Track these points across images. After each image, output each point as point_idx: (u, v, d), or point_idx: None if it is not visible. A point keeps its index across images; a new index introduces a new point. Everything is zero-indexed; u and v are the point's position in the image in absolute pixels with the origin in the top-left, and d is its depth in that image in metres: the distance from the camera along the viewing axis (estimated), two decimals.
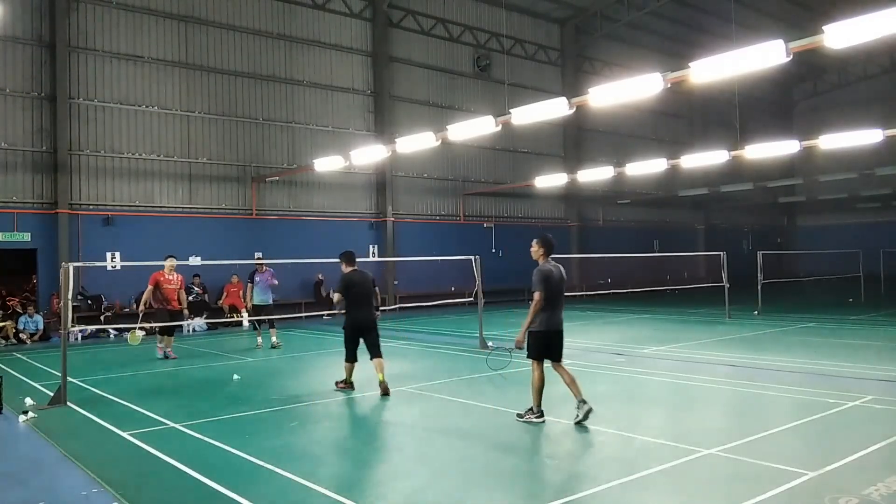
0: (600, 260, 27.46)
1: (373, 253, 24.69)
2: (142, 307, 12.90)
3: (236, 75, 22.06)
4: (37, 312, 17.29)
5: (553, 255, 7.58)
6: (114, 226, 19.48)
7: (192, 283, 19.38)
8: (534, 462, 6.30)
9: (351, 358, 9.48)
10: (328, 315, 20.17)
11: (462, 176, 27.99)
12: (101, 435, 7.37)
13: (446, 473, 5.83)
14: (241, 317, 18.93)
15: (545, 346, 7.28)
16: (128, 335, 13.14)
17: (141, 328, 13.35)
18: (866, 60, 38.54)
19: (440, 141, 16.26)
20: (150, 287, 12.85)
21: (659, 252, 33.86)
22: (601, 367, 10.88)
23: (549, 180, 25.70)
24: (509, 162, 29.43)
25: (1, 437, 7.41)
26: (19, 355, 14.18)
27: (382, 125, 24.87)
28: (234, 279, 18.94)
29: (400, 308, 21.63)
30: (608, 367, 10.96)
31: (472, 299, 16.36)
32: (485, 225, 28.55)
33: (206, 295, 20.03)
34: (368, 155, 18.99)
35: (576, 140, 31.48)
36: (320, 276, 22.46)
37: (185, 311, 13.50)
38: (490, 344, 13.71)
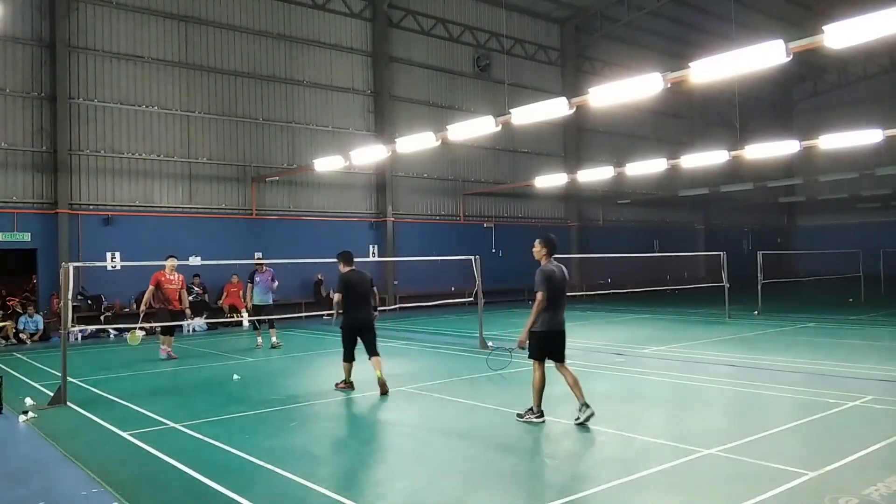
0: (600, 260, 27.47)
1: (373, 253, 24.69)
2: (143, 307, 12.86)
3: (236, 75, 22.07)
4: (37, 312, 17.29)
5: (554, 256, 7.58)
6: (114, 226, 19.48)
7: (192, 283, 19.38)
8: (534, 462, 6.30)
9: (349, 357, 9.49)
10: (328, 315, 20.18)
11: (462, 176, 27.99)
12: (101, 435, 7.37)
13: (446, 473, 5.83)
14: (241, 317, 18.94)
15: (547, 346, 7.28)
16: (127, 335, 13.09)
17: (141, 328, 13.35)
18: (866, 60, 38.55)
19: (440, 141, 16.26)
20: (151, 287, 12.81)
21: (659, 252, 33.86)
22: (601, 367, 10.88)
23: (549, 180, 25.70)
24: (509, 162, 29.43)
25: (1, 437, 7.41)
26: (19, 355, 14.18)
27: (382, 125, 24.87)
28: (234, 279, 18.95)
29: (400, 308, 21.63)
30: (608, 367, 10.96)
31: (472, 299, 16.37)
32: (485, 225, 28.55)
33: (206, 295, 20.03)
34: (368, 155, 19.00)
35: (576, 140, 31.49)
36: (320, 276, 22.47)
37: (188, 311, 13.48)
38: (490, 344, 13.71)
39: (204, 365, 12.43)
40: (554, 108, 12.83)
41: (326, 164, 19.74)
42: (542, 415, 7.31)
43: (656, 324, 18.11)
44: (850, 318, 18.28)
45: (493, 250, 28.13)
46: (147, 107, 20.39)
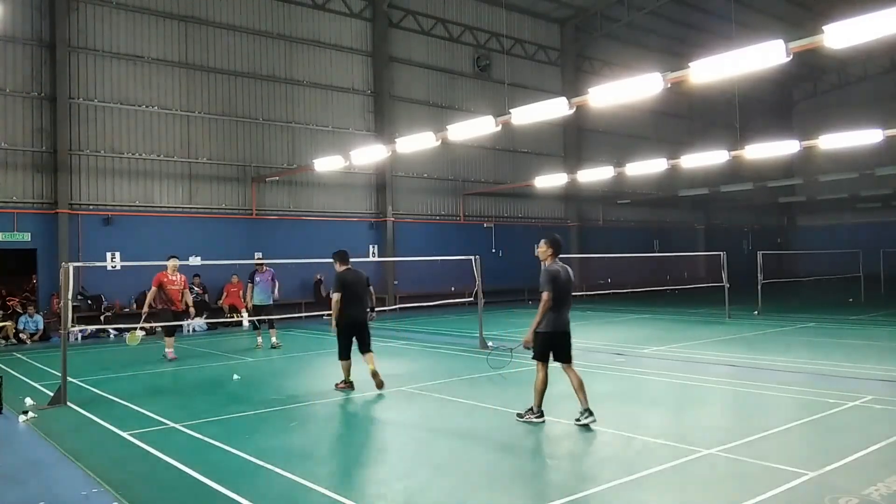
0: (600, 260, 27.48)
1: (373, 253, 24.69)
2: (145, 309, 12.72)
3: (236, 75, 22.07)
4: (37, 312, 17.29)
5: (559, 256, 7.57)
6: (114, 226, 19.48)
7: (192, 283, 19.37)
8: (534, 462, 6.30)
9: (345, 356, 9.51)
10: (328, 315, 20.18)
11: (462, 176, 27.99)
12: (101, 435, 7.37)
13: (446, 473, 5.83)
14: (241, 317, 18.94)
15: (551, 346, 7.26)
16: (126, 336, 13.03)
17: (141, 328, 13.33)
18: (866, 60, 38.54)
19: (440, 141, 16.25)
20: (153, 288, 12.69)
21: (659, 252, 33.86)
22: (601, 367, 10.88)
23: (549, 180, 25.70)
24: (509, 162, 29.43)
25: (1, 437, 7.41)
26: (19, 355, 14.18)
27: (382, 125, 24.87)
28: (234, 279, 18.96)
29: (400, 308, 21.63)
30: (608, 367, 10.95)
31: (472, 299, 16.36)
32: (485, 225, 28.55)
33: (206, 295, 20.03)
34: (368, 155, 18.99)
35: (576, 140, 31.49)
36: (320, 276, 22.46)
37: (192, 311, 13.46)
38: (490, 344, 13.71)
39: (204, 365, 12.43)
40: (554, 108, 12.83)
41: (326, 164, 19.74)
42: (542, 415, 7.31)
43: (656, 324, 18.11)
44: (850, 318, 18.28)
45: (493, 250, 28.13)
46: (147, 107, 20.39)
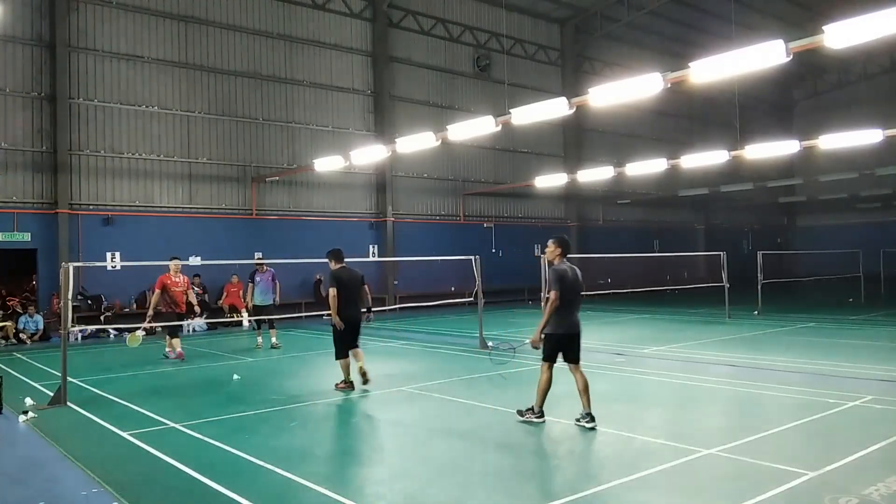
0: (600, 260, 27.44)
1: (373, 253, 24.69)
2: (150, 312, 12.56)
3: (236, 75, 22.07)
4: (37, 312, 17.29)
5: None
6: (114, 226, 19.48)
7: (193, 283, 19.37)
8: (534, 462, 6.30)
9: (343, 355, 9.54)
10: (328, 315, 20.17)
11: (462, 176, 27.99)
12: (101, 435, 7.37)
13: (446, 473, 5.83)
14: (241, 317, 18.94)
15: (561, 348, 7.24)
16: (127, 337, 12.94)
17: (142, 329, 13.30)
18: (866, 60, 38.55)
19: (440, 141, 16.25)
20: (157, 291, 12.57)
21: (659, 252, 33.85)
22: (601, 367, 10.87)
23: (549, 180, 25.70)
24: (509, 162, 29.43)
25: (1, 437, 7.41)
26: (19, 355, 14.18)
27: (382, 125, 24.87)
28: (235, 279, 18.97)
29: (400, 308, 21.63)
30: (608, 367, 10.95)
31: (472, 299, 16.36)
32: (485, 225, 28.55)
33: (206, 295, 20.03)
34: (368, 155, 18.99)
35: (576, 140, 31.49)
36: (319, 276, 22.46)
37: (198, 309, 13.41)
38: (490, 344, 13.71)
39: (204, 365, 12.43)
40: (554, 108, 12.83)
41: (326, 164, 19.74)
42: (542, 415, 7.30)
43: (656, 324, 18.11)
44: (850, 318, 18.28)
45: (493, 250, 28.14)
46: (147, 107, 20.39)
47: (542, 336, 7.23)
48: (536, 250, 27.73)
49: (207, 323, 19.07)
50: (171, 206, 20.66)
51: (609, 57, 32.77)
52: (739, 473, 5.58)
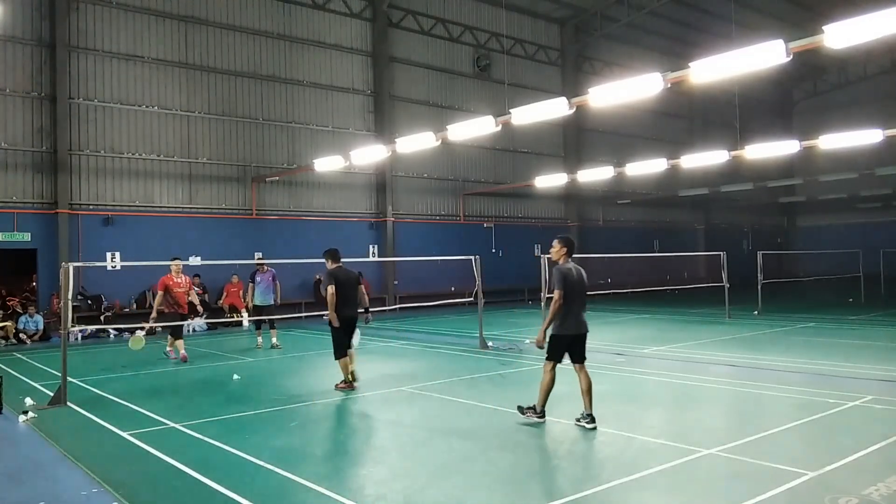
0: (600, 260, 27.45)
1: (373, 253, 24.69)
2: (154, 314, 12.50)
3: (236, 75, 22.07)
4: (37, 312, 17.29)
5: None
6: (114, 226, 19.48)
7: (192, 283, 19.37)
8: (534, 462, 6.30)
9: (342, 354, 9.58)
10: (326, 314, 20.17)
11: (462, 176, 27.99)
12: (101, 435, 7.37)
13: (446, 473, 5.83)
14: (241, 317, 18.94)
15: (568, 349, 7.22)
16: (129, 340, 12.78)
17: (141, 328, 13.27)
18: (866, 60, 38.53)
19: (440, 141, 16.25)
20: (160, 293, 12.49)
21: (659, 252, 33.85)
22: (601, 367, 10.86)
23: (549, 180, 25.70)
24: (509, 162, 29.43)
25: (1, 437, 7.41)
26: (19, 355, 14.18)
27: (382, 125, 24.87)
28: (235, 279, 18.97)
29: (400, 308, 21.63)
30: (608, 367, 10.95)
31: (472, 299, 16.36)
32: (485, 225, 28.55)
33: (206, 295, 20.01)
34: (368, 155, 18.99)
35: (576, 140, 31.48)
36: (319, 276, 22.41)
37: (200, 309, 13.39)
38: (490, 344, 13.73)
39: (204, 365, 12.43)
40: (554, 108, 12.83)
41: (326, 164, 19.74)
42: (543, 415, 7.30)
43: (656, 324, 18.11)
44: (850, 318, 18.28)
45: (493, 250, 28.13)
46: (147, 107, 20.39)
47: (548, 336, 7.21)
48: (536, 250, 27.73)
49: (207, 323, 19.07)
50: (171, 206, 20.66)
51: (609, 57, 32.77)
52: (739, 473, 5.58)
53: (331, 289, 9.38)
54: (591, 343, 7.43)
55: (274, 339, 14.51)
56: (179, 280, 12.68)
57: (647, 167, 23.08)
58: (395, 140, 18.59)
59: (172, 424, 7.64)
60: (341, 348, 9.57)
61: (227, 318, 19.23)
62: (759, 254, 20.69)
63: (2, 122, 18.18)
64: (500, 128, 14.62)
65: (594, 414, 7.04)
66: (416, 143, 16.68)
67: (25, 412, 8.19)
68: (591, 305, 7.39)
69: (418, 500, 5.18)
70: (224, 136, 21.82)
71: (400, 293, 24.26)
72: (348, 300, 9.61)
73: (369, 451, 6.74)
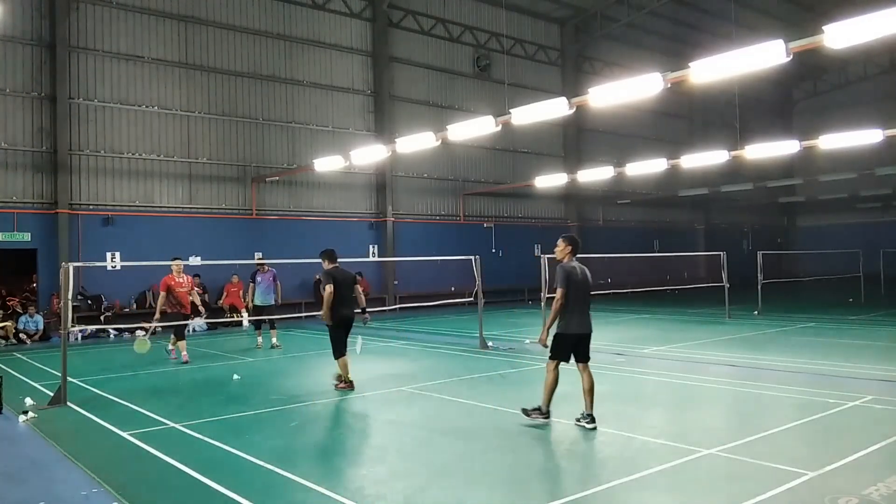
0: (600, 260, 27.41)
1: (373, 253, 24.68)
2: (157, 314, 12.43)
3: (236, 75, 22.06)
4: (37, 312, 17.29)
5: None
6: (114, 226, 19.48)
7: (194, 283, 19.38)
8: (534, 462, 6.29)
9: (341, 353, 9.60)
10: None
11: (462, 176, 27.99)
12: (101, 435, 7.37)
13: (446, 473, 5.83)
14: (241, 317, 18.94)
15: (573, 348, 7.18)
16: (134, 343, 12.63)
17: (141, 328, 13.26)
18: (866, 60, 38.53)
19: (440, 141, 16.25)
20: (162, 293, 12.40)
21: (659, 252, 33.85)
22: (601, 367, 10.84)
23: (549, 180, 25.70)
24: (509, 162, 29.44)
25: (1, 437, 7.41)
26: (19, 355, 14.18)
27: (382, 125, 24.87)
28: (235, 279, 18.96)
29: (400, 308, 21.63)
30: (608, 367, 10.94)
31: (472, 299, 16.35)
32: (485, 225, 28.55)
33: (206, 295, 20.01)
34: (368, 155, 18.99)
35: (576, 140, 31.49)
36: (319, 277, 22.41)
37: (201, 309, 13.35)
38: (490, 344, 13.73)
39: (204, 365, 12.44)
40: (554, 108, 12.83)
41: (326, 164, 19.74)
42: (548, 415, 7.27)
43: (656, 324, 18.11)
44: (850, 318, 18.28)
45: (493, 250, 28.13)
46: (147, 107, 20.39)
47: (552, 335, 7.19)
48: (536, 250, 27.72)
49: (207, 323, 19.07)
50: (171, 206, 20.66)
51: (609, 57, 32.77)
52: (739, 473, 5.58)
53: (329, 288, 9.41)
54: (591, 343, 7.42)
55: (274, 340, 14.51)
56: (181, 280, 12.62)
57: (647, 167, 23.08)
58: (395, 140, 18.60)
59: (172, 424, 7.64)
60: (340, 348, 9.59)
61: (227, 318, 19.23)
62: (759, 254, 20.69)
63: (2, 122, 18.18)
64: (500, 128, 14.62)
65: (594, 414, 7.03)
66: (416, 143, 16.68)
67: (25, 412, 8.20)
68: (592, 305, 7.38)
69: (418, 500, 5.18)
70: (224, 136, 21.82)
71: (400, 293, 24.26)
72: (345, 300, 9.65)
73: (369, 451, 6.74)
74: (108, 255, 19.19)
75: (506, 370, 10.89)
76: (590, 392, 7.09)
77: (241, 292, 18.50)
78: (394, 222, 25.29)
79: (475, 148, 27.57)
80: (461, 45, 27.93)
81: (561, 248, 7.42)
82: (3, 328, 16.48)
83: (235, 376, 10.84)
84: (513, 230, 29.30)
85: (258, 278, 14.59)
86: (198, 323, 18.51)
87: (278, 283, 14.81)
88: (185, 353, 12.64)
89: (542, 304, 14.40)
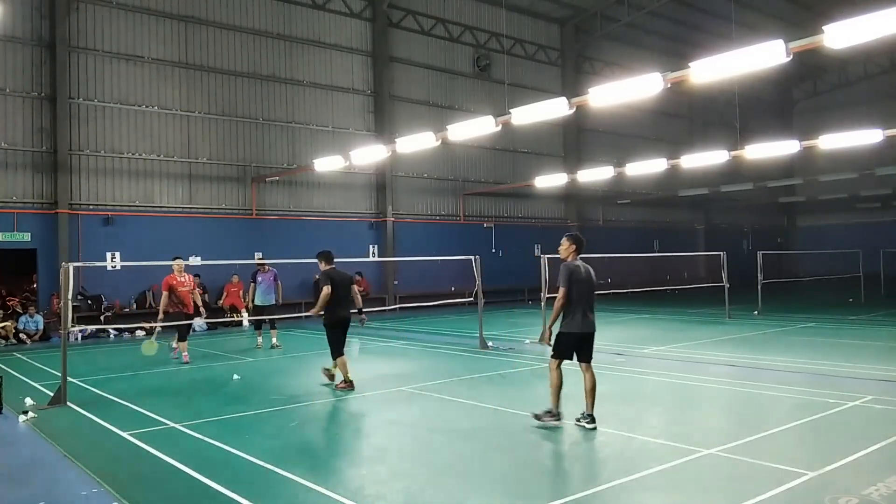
0: (600, 260, 27.38)
1: (373, 253, 24.68)
2: (161, 315, 12.37)
3: (236, 75, 22.06)
4: (37, 312, 17.29)
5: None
6: (114, 226, 19.48)
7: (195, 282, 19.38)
8: (534, 462, 6.29)
9: (339, 353, 9.65)
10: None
11: (462, 176, 27.99)
12: (101, 435, 7.37)
13: (446, 473, 5.83)
14: (241, 317, 18.94)
15: (577, 348, 7.15)
16: (142, 345, 12.51)
17: (142, 328, 13.24)
18: (866, 60, 38.52)
19: (440, 141, 16.25)
20: (165, 293, 12.36)
21: (659, 252, 33.84)
22: (601, 367, 10.81)
23: (549, 180, 25.70)
24: (509, 162, 29.43)
25: (1, 437, 7.41)
26: (19, 355, 14.18)
27: (382, 125, 24.87)
28: (235, 279, 18.97)
29: (400, 308, 21.62)
30: (608, 367, 10.94)
31: (472, 299, 16.36)
32: (485, 225, 28.55)
33: (206, 295, 20.00)
34: (368, 155, 18.99)
35: (576, 140, 31.48)
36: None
37: (202, 310, 13.29)
38: (490, 344, 13.73)
39: (204, 365, 12.44)
40: (554, 108, 12.83)
41: (326, 164, 19.74)
42: (559, 417, 7.16)
43: (656, 324, 18.11)
44: (850, 318, 18.28)
45: (493, 250, 28.12)
46: (147, 107, 20.39)
47: (555, 334, 7.16)
48: (536, 250, 27.72)
49: (207, 323, 19.06)
50: (171, 206, 20.66)
51: (609, 57, 32.77)
52: (739, 473, 5.58)
53: (326, 289, 9.51)
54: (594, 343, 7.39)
55: (274, 340, 14.51)
56: (183, 279, 12.58)
57: (646, 167, 23.08)
58: (395, 140, 18.60)
59: (172, 424, 7.64)
60: (338, 348, 9.62)
61: (227, 318, 19.22)
62: (759, 254, 20.68)
63: (2, 122, 18.18)
64: (500, 128, 14.62)
65: (594, 414, 7.03)
66: (416, 143, 16.68)
67: (25, 412, 8.19)
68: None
69: (418, 500, 5.18)
70: (224, 136, 21.82)
71: (400, 293, 24.26)
72: (342, 301, 9.75)
73: (369, 451, 6.74)
74: (108, 255, 19.19)
75: (506, 370, 10.89)
76: (591, 392, 7.07)
77: (241, 292, 18.51)
78: (394, 222, 25.29)
79: (475, 148, 27.57)
80: (461, 45, 27.93)
81: (565, 247, 7.38)
82: (3, 328, 16.47)
83: (235, 376, 10.84)
84: (513, 230, 29.29)
85: (259, 278, 14.59)
86: (198, 323, 18.48)
87: (279, 282, 14.80)
88: (185, 353, 12.64)
89: (542, 304, 14.40)
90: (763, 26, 29.22)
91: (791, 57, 9.26)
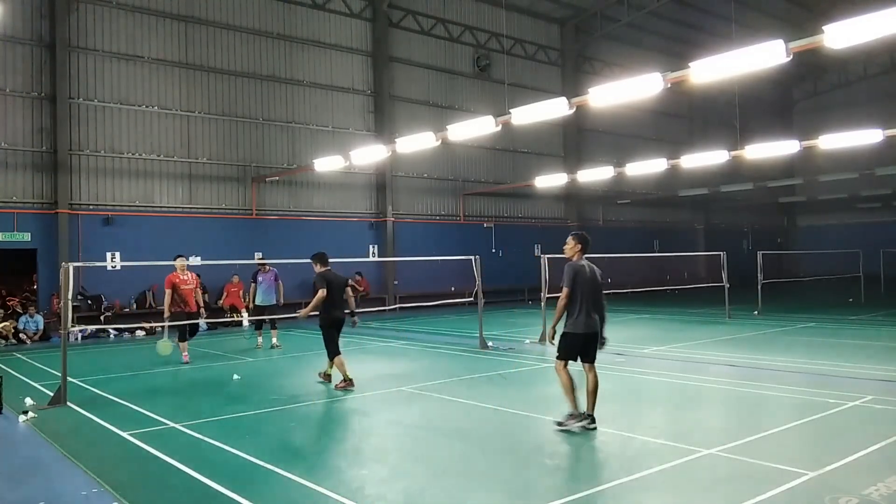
0: (600, 260, 27.31)
1: (373, 253, 24.68)
2: (166, 314, 12.25)
3: (236, 75, 22.06)
4: (37, 312, 17.29)
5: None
6: (114, 226, 19.48)
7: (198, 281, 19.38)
8: (534, 462, 6.28)
9: (336, 353, 9.73)
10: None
11: (462, 176, 27.99)
12: (101, 435, 7.37)
13: (446, 473, 5.83)
14: (242, 317, 18.93)
15: (581, 348, 7.11)
16: (157, 345, 12.39)
17: (141, 328, 13.23)
18: (866, 60, 38.53)
19: (440, 141, 16.25)
20: (167, 291, 12.22)
21: (659, 252, 33.84)
22: (601, 367, 10.77)
23: (549, 180, 25.70)
24: (509, 162, 29.43)
25: (1, 437, 7.41)
26: (19, 355, 14.17)
27: (382, 125, 24.87)
28: (235, 279, 18.97)
29: (400, 308, 21.63)
30: (608, 367, 10.91)
31: (472, 299, 16.36)
32: (485, 225, 28.55)
33: (206, 295, 19.99)
34: (368, 155, 18.99)
35: (576, 140, 31.48)
36: None
37: (203, 311, 13.20)
38: (490, 344, 13.73)
39: (204, 365, 12.43)
40: (554, 108, 12.82)
41: (326, 164, 19.74)
42: (581, 416, 6.98)
43: (656, 324, 18.11)
44: (850, 318, 18.28)
45: (493, 250, 28.13)
46: (147, 107, 20.39)
47: (560, 334, 7.13)
48: (536, 250, 27.72)
49: (207, 323, 19.04)
50: (171, 206, 20.66)
51: (609, 57, 32.77)
52: (739, 473, 5.58)
53: (322, 292, 9.56)
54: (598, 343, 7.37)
55: (274, 340, 14.51)
56: (185, 277, 12.49)
57: (647, 167, 23.08)
58: (395, 140, 18.59)
59: (172, 424, 7.64)
60: (334, 348, 9.69)
61: (227, 318, 19.22)
62: (759, 254, 20.68)
63: (2, 122, 18.18)
64: (500, 128, 14.62)
65: (595, 415, 7.02)
66: (416, 143, 16.68)
67: (25, 412, 8.19)
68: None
69: (418, 500, 5.18)
70: (224, 136, 21.82)
71: (400, 293, 24.26)
72: (337, 302, 9.82)
73: (369, 451, 6.73)
74: (108, 255, 19.19)
75: (506, 370, 10.89)
76: (593, 393, 7.06)
77: (241, 292, 18.50)
78: (394, 222, 25.29)
79: (475, 148, 27.57)
80: (461, 44, 27.93)
81: (570, 246, 7.32)
82: (3, 328, 16.47)
83: (235, 376, 10.84)
84: (513, 230, 29.29)
85: (260, 278, 14.59)
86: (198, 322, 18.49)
87: (280, 282, 14.79)
88: (186, 352, 12.64)
89: (543, 304, 14.39)
90: (763, 26, 29.22)
91: (791, 57, 9.26)
